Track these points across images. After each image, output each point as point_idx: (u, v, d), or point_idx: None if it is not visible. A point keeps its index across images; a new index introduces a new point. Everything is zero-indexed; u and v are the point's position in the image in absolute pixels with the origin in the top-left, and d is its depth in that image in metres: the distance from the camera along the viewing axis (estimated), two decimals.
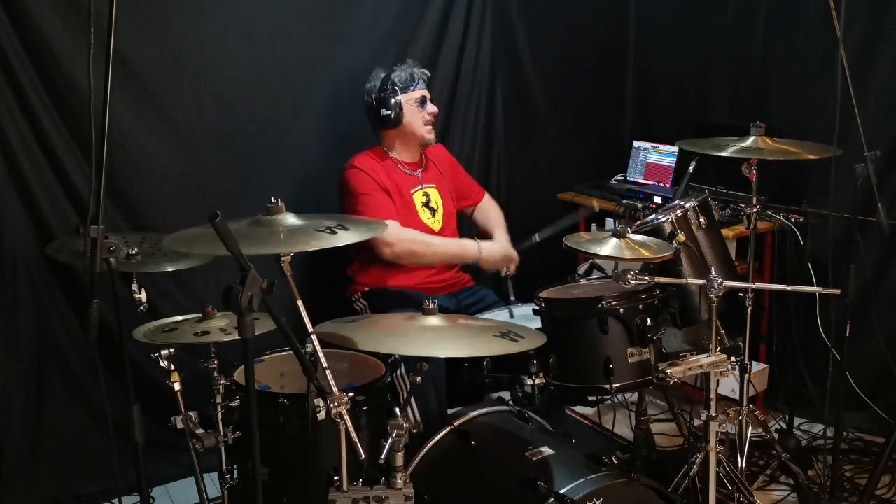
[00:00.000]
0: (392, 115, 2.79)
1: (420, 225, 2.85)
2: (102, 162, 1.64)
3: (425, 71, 2.91)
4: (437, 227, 2.90)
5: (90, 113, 1.66)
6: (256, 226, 1.76)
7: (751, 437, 2.55)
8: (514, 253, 2.89)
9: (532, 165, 3.78)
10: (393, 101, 2.79)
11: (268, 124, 3.01)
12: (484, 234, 3.05)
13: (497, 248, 2.90)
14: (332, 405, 1.63)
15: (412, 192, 2.87)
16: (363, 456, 1.68)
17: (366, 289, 2.85)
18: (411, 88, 2.82)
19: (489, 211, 3.16)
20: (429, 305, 1.86)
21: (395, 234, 2.68)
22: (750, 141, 2.47)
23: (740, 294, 2.32)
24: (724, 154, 2.42)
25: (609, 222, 3.44)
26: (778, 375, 3.24)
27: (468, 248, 2.84)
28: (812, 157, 2.45)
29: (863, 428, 3.09)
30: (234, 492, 2.17)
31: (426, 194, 2.91)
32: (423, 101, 2.85)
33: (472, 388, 2.39)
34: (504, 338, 1.82)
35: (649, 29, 3.87)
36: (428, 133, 2.87)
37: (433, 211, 2.91)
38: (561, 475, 1.90)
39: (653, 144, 3.66)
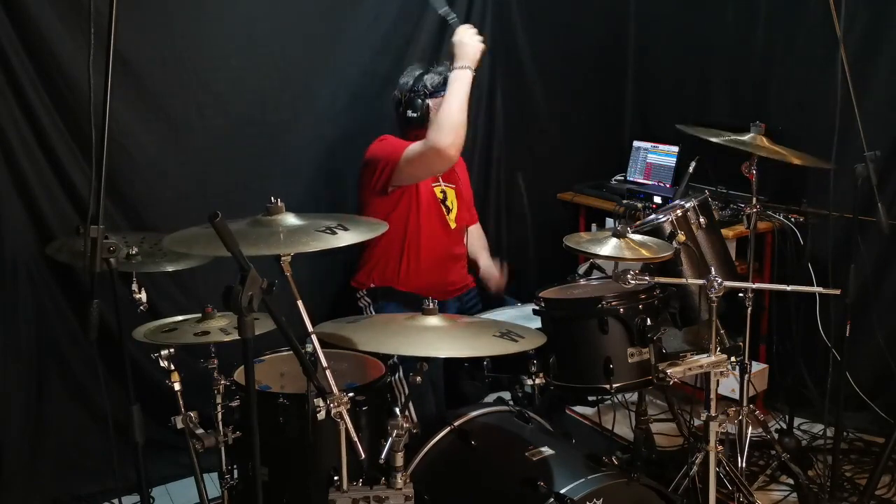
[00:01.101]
0: (417, 117, 2.75)
1: (439, 213, 2.82)
2: (102, 162, 1.64)
3: None
4: (452, 225, 2.88)
5: (90, 113, 1.66)
6: (256, 226, 1.76)
7: (751, 437, 2.55)
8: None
9: (532, 165, 3.77)
10: (420, 103, 2.76)
11: (268, 124, 3.01)
12: (470, 259, 3.02)
13: (462, 39, 2.69)
14: (332, 405, 1.63)
15: (432, 185, 2.82)
16: (363, 456, 1.68)
17: (372, 285, 2.82)
18: (441, 94, 2.73)
19: (476, 237, 3.12)
20: (429, 305, 1.86)
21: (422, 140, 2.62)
22: (748, 136, 2.46)
23: (740, 294, 2.32)
24: (716, 140, 2.41)
25: (609, 222, 3.44)
26: (778, 375, 3.24)
27: (462, 75, 2.66)
28: (806, 164, 2.45)
29: (863, 428, 3.09)
30: (234, 492, 2.16)
31: (444, 192, 2.87)
32: None
33: (471, 391, 2.38)
34: (504, 338, 1.82)
35: (649, 29, 3.87)
36: None
37: (448, 209, 2.88)
38: (561, 475, 1.90)
39: (653, 144, 3.66)
